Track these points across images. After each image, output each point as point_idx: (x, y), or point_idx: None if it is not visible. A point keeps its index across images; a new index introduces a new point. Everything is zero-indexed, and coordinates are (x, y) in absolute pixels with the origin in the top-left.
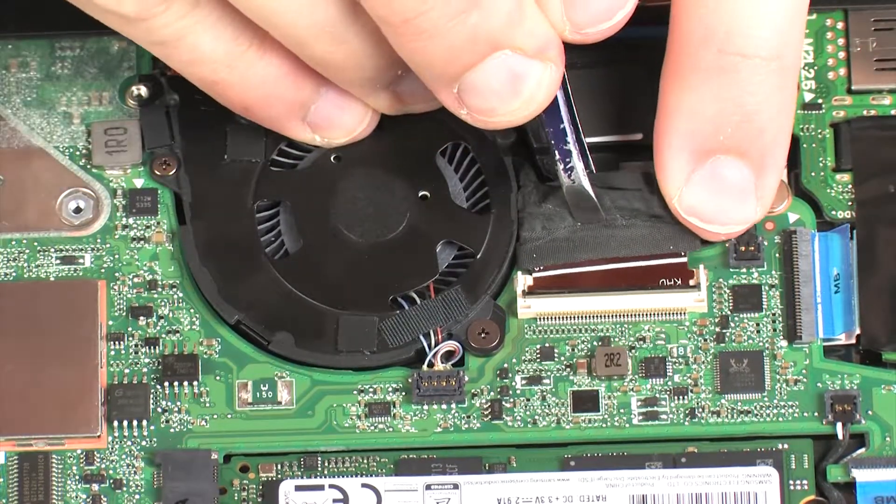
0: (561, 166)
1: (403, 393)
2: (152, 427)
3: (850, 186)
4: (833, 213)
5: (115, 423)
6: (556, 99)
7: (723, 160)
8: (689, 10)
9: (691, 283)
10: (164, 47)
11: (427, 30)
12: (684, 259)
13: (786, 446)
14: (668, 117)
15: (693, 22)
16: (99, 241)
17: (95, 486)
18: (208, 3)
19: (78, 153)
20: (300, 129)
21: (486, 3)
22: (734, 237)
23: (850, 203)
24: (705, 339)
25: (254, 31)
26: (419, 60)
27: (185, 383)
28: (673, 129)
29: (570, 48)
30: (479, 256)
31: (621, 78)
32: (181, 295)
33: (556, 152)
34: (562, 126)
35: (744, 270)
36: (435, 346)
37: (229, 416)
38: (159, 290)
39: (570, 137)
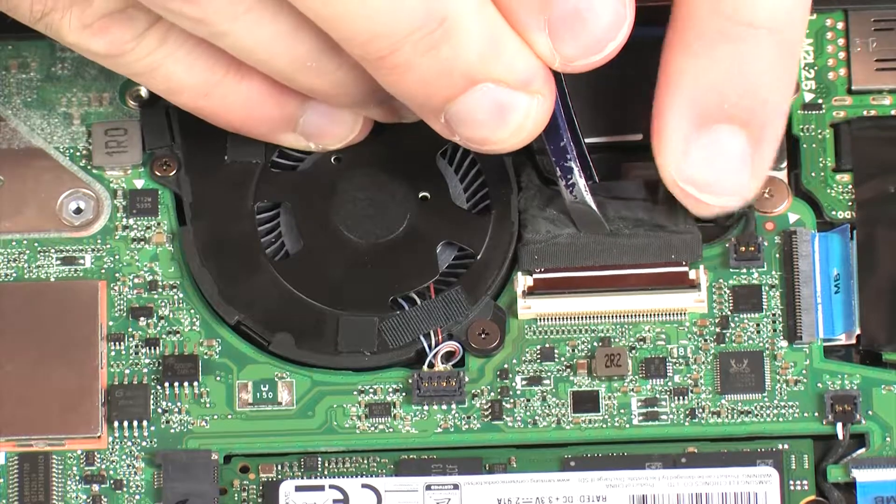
0: (563, 182)
1: (404, 393)
2: (152, 427)
3: (850, 187)
4: (833, 213)
5: (116, 424)
6: (555, 117)
7: (725, 129)
8: None
9: (691, 282)
10: (141, 77)
11: (401, 65)
12: (685, 268)
13: (786, 446)
14: (671, 84)
15: None
16: (99, 241)
17: (96, 487)
18: (178, 37)
19: (78, 154)
20: (292, 139)
21: (455, 39)
22: (724, 211)
23: (850, 203)
24: (705, 340)
25: (229, 58)
26: (400, 93)
27: (186, 384)
28: (675, 96)
29: None
30: (479, 257)
31: (621, 78)
32: (181, 295)
33: (558, 169)
34: (562, 143)
35: (744, 271)
36: (435, 347)
37: (229, 416)
38: (159, 290)
39: (571, 154)
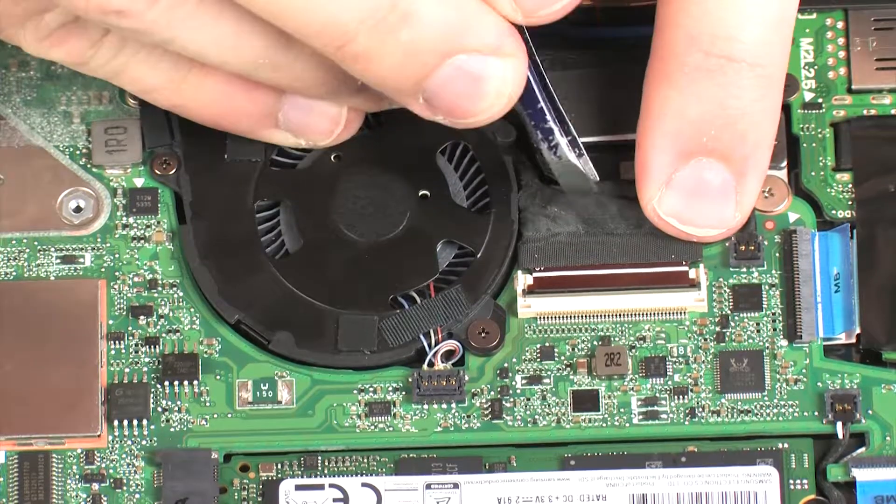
0: (545, 146)
1: (403, 392)
2: (152, 426)
3: (850, 186)
4: (833, 212)
5: (116, 423)
6: (528, 81)
7: (705, 162)
8: (675, 13)
9: (691, 281)
10: (112, 80)
11: (362, 53)
12: (685, 267)
13: (786, 446)
14: (652, 118)
15: (679, 24)
16: (99, 240)
17: (95, 486)
18: (135, 41)
19: (78, 152)
20: (279, 136)
21: (413, 18)
22: (710, 241)
23: (850, 202)
24: (705, 339)
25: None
26: (371, 81)
27: (186, 383)
28: (657, 130)
29: (569, 47)
30: (479, 256)
31: (620, 78)
32: (181, 294)
33: (538, 132)
34: (539, 106)
35: (744, 270)
36: (435, 346)
37: (229, 415)
38: (159, 289)
39: (549, 116)
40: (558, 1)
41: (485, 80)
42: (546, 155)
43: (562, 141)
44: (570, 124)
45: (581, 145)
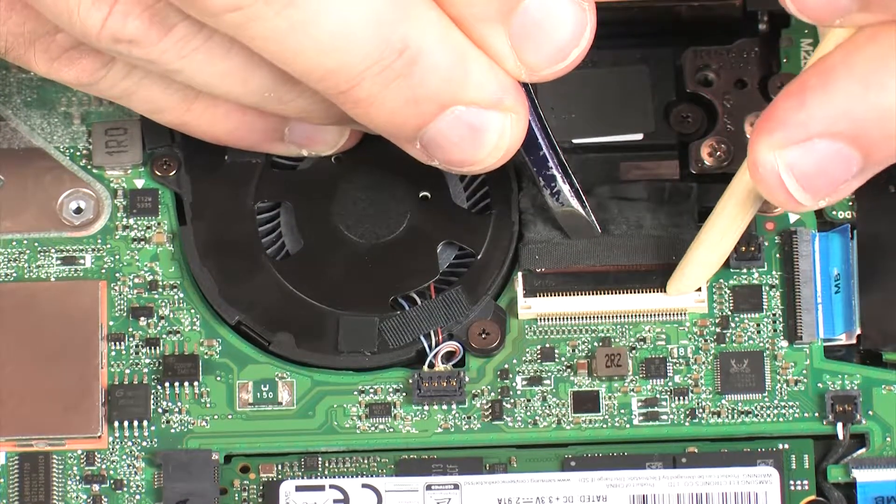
0: (548, 192)
1: (404, 393)
2: (153, 427)
3: None
4: (833, 213)
5: (116, 424)
6: (531, 128)
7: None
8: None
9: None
10: (122, 101)
11: (365, 98)
12: None
13: (786, 446)
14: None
15: None
16: (99, 241)
17: (96, 487)
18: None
19: (78, 154)
20: (284, 148)
21: (418, 67)
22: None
23: (850, 203)
24: (706, 340)
25: None
26: (370, 125)
27: (186, 384)
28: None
29: None
30: (479, 257)
31: (621, 78)
32: (182, 295)
33: (541, 179)
34: (541, 153)
35: (744, 271)
36: (435, 347)
37: (230, 416)
38: (160, 290)
39: (552, 162)
40: (563, 61)
41: (483, 133)
42: (549, 201)
43: (564, 188)
44: (570, 173)
45: (583, 196)
